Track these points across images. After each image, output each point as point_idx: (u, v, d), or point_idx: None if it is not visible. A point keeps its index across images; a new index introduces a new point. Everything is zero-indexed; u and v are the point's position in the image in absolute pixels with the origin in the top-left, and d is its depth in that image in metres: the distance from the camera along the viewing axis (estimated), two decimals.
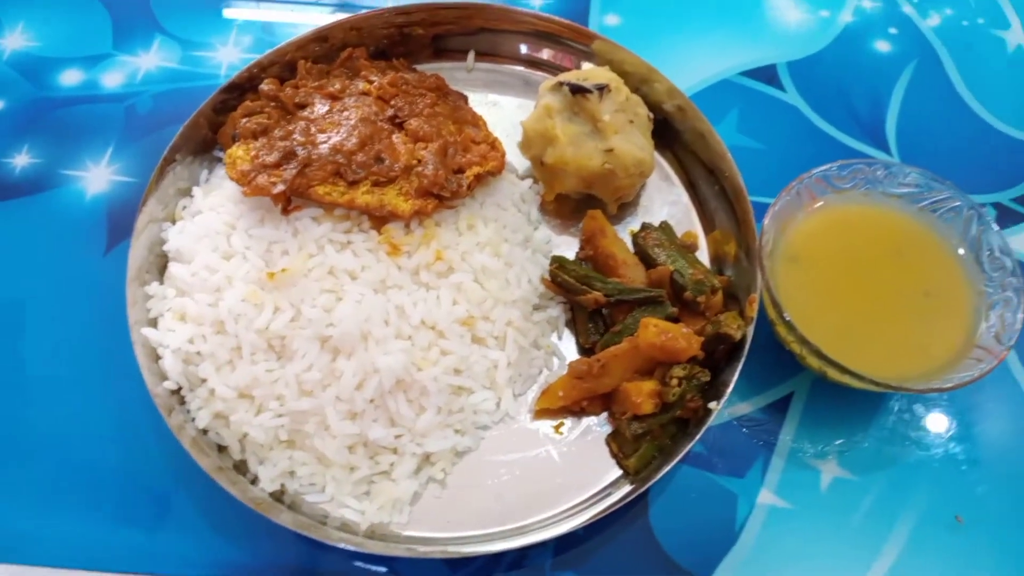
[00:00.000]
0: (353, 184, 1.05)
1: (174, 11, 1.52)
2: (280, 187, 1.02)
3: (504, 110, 1.36)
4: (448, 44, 1.42)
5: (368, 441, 1.02)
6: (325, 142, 1.07)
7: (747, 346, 1.04)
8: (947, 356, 1.02)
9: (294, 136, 1.09)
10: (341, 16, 1.33)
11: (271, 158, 1.06)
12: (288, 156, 1.06)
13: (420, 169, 1.08)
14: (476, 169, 1.11)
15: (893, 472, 1.09)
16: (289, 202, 1.06)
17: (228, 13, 1.53)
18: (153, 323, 1.09)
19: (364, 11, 1.34)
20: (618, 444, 1.07)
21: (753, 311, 1.06)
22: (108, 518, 1.05)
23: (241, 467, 1.05)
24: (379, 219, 1.07)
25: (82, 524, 1.05)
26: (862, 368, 0.99)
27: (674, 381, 1.02)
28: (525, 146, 1.25)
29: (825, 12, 1.54)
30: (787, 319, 1.00)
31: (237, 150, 1.10)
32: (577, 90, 1.18)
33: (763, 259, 1.04)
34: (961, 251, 1.09)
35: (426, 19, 1.38)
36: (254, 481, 1.04)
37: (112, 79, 1.44)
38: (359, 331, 1.01)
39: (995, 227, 1.06)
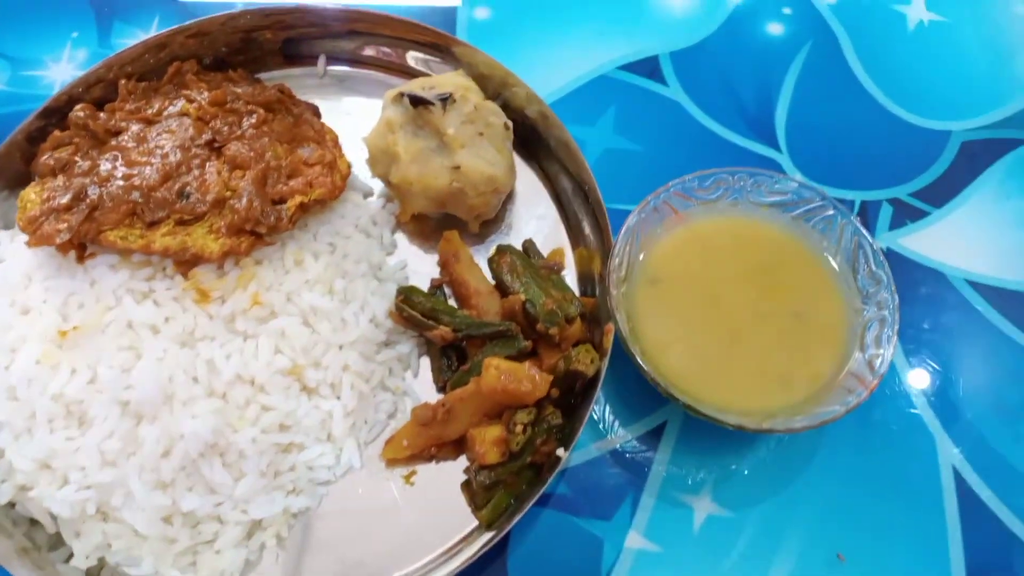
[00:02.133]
0: (153, 225, 0.94)
1: (1, 25, 1.38)
2: (64, 236, 0.91)
3: (359, 120, 1.22)
4: (300, 49, 1.29)
5: (185, 511, 0.92)
6: (124, 177, 0.96)
7: (600, 382, 0.94)
8: (818, 384, 0.93)
9: (96, 171, 0.98)
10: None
11: (63, 200, 0.94)
12: (79, 197, 0.94)
13: (232, 203, 0.97)
14: (299, 198, 1.00)
15: (770, 507, 1.00)
16: (84, 249, 0.95)
17: None
18: None
19: (208, 16, 1.21)
20: (471, 494, 0.98)
21: (609, 342, 0.96)
22: None
23: (58, 541, 0.95)
24: (185, 263, 0.96)
25: None
26: (723, 401, 0.91)
27: (518, 428, 0.92)
28: (372, 163, 1.14)
29: None
30: (635, 355, 0.90)
31: (30, 191, 0.98)
32: (418, 102, 1.06)
33: (611, 284, 0.94)
34: (836, 265, 0.99)
35: (277, 22, 1.26)
36: (69, 557, 0.94)
37: None
38: (161, 392, 0.90)
39: (870, 237, 0.96)
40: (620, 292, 0.94)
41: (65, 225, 0.92)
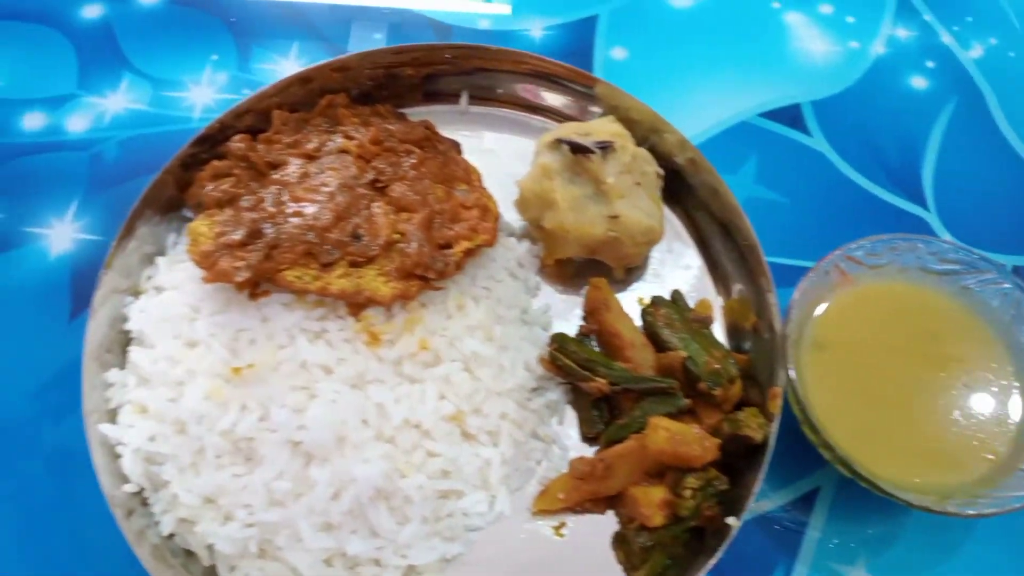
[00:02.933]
0: (327, 266, 0.95)
1: (144, 47, 1.40)
2: (244, 274, 0.92)
3: (500, 158, 1.24)
4: (441, 86, 1.29)
5: (347, 554, 0.92)
6: (296, 215, 0.96)
7: (770, 448, 0.93)
8: (994, 464, 0.91)
9: (263, 206, 0.98)
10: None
11: (236, 236, 0.95)
12: (254, 234, 0.95)
13: (402, 247, 0.97)
14: (465, 244, 1.00)
15: None
16: (257, 285, 0.95)
17: None
18: (112, 414, 0.99)
19: (351, 54, 1.22)
20: (625, 552, 0.97)
21: (776, 407, 0.94)
22: None
23: (211, 574, 0.96)
24: (357, 305, 0.96)
25: None
26: (894, 475, 0.89)
27: (687, 492, 0.91)
28: (522, 207, 1.13)
29: (855, 43, 1.40)
30: (813, 422, 0.89)
31: (199, 225, 0.99)
32: (578, 149, 1.06)
33: (788, 349, 0.92)
34: (1009, 337, 0.97)
35: (418, 59, 1.26)
36: None
37: (77, 123, 1.33)
38: (334, 435, 0.90)
39: None
40: (793, 356, 0.93)
41: (243, 263, 0.93)
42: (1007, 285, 0.97)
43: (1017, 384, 0.95)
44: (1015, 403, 0.94)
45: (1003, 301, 0.97)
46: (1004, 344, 0.97)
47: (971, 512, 0.85)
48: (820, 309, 0.99)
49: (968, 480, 0.90)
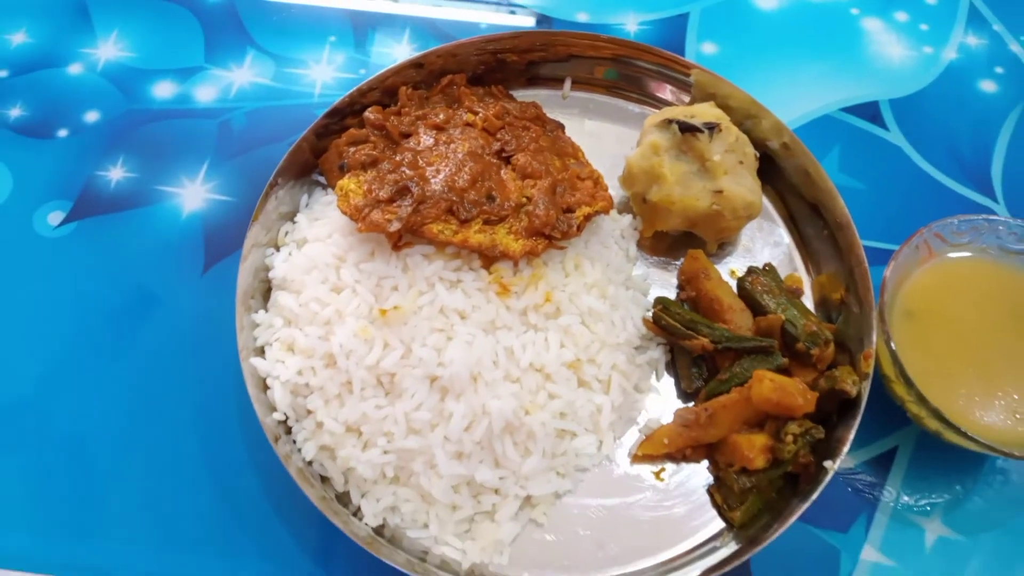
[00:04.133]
0: (465, 222, 1.05)
1: (266, 26, 1.52)
2: (396, 225, 1.02)
3: (602, 141, 1.34)
4: (542, 71, 1.40)
5: (472, 481, 1.02)
6: (436, 177, 1.07)
7: (863, 403, 1.02)
8: None
9: (403, 169, 1.09)
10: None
11: (384, 193, 1.05)
12: (402, 192, 1.05)
13: (530, 208, 1.07)
14: (586, 209, 1.10)
15: (1001, 535, 1.06)
16: (400, 238, 1.06)
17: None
18: (259, 351, 1.09)
19: (459, 40, 1.32)
20: (723, 495, 1.06)
21: (869, 367, 1.04)
22: (203, 544, 1.05)
23: (343, 499, 1.05)
24: (488, 258, 1.06)
25: (174, 551, 1.05)
26: (975, 427, 0.97)
27: (789, 438, 1.00)
28: (628, 182, 1.23)
29: (929, 48, 1.50)
30: (907, 376, 0.98)
31: (349, 182, 1.09)
32: (687, 128, 1.16)
33: (885, 314, 1.01)
34: None
35: (520, 46, 1.36)
36: (355, 514, 1.04)
37: (205, 93, 1.44)
38: (469, 372, 1.00)
39: None
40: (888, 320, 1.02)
41: (394, 215, 1.03)
42: None
43: None
44: None
45: None
46: None
47: None
48: (908, 281, 1.08)
49: None
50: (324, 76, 1.46)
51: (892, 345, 0.99)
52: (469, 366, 1.00)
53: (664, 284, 1.24)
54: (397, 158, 1.11)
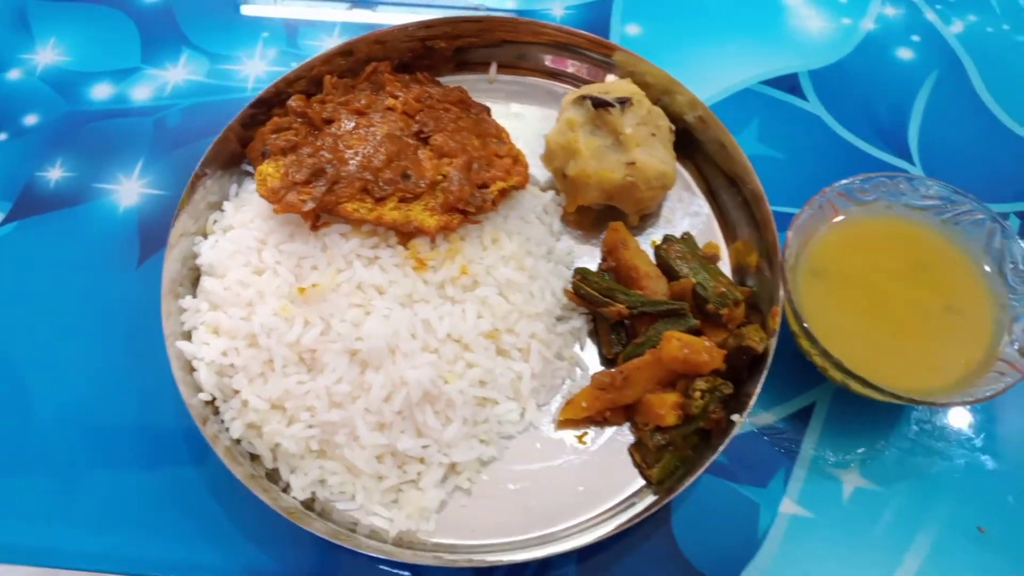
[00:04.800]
0: (380, 200, 1.08)
1: (200, 25, 1.55)
2: (310, 205, 1.05)
3: (526, 121, 1.37)
4: (470, 57, 1.44)
5: (396, 451, 1.04)
6: (353, 159, 1.10)
7: (770, 358, 1.05)
8: (969, 370, 1.03)
9: (322, 153, 1.12)
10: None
11: (300, 175, 1.08)
12: (317, 173, 1.08)
13: (445, 185, 1.10)
14: (500, 184, 1.13)
15: (915, 482, 1.09)
16: (318, 218, 1.09)
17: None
18: (187, 336, 1.12)
19: (388, 26, 1.36)
20: (641, 454, 1.09)
21: (776, 323, 1.07)
22: (140, 526, 1.08)
23: (273, 476, 1.08)
24: (405, 234, 1.09)
25: (114, 532, 1.08)
26: (882, 382, 1.00)
27: (697, 394, 1.03)
28: (548, 159, 1.26)
29: (847, 20, 1.54)
30: (808, 330, 1.01)
31: (267, 167, 1.12)
32: (599, 104, 1.19)
33: (785, 271, 1.05)
34: (984, 264, 1.09)
35: (448, 32, 1.40)
36: (286, 489, 1.06)
37: (141, 93, 1.47)
38: (387, 345, 1.03)
39: (1018, 239, 1.06)
40: (791, 279, 1.05)
41: (308, 196, 1.06)
42: (981, 216, 1.09)
43: (990, 302, 1.06)
44: (988, 318, 1.06)
45: (978, 230, 1.09)
46: (979, 268, 1.09)
47: (943, 401, 0.97)
48: (815, 240, 1.11)
49: (948, 383, 1.02)
50: (257, 71, 1.49)
51: (793, 299, 1.03)
52: (387, 339, 1.03)
53: (591, 257, 1.27)
54: (318, 143, 1.14)
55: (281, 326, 1.05)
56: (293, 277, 1.08)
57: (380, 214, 1.06)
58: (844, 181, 1.10)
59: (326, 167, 1.08)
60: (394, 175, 1.09)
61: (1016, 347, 1.01)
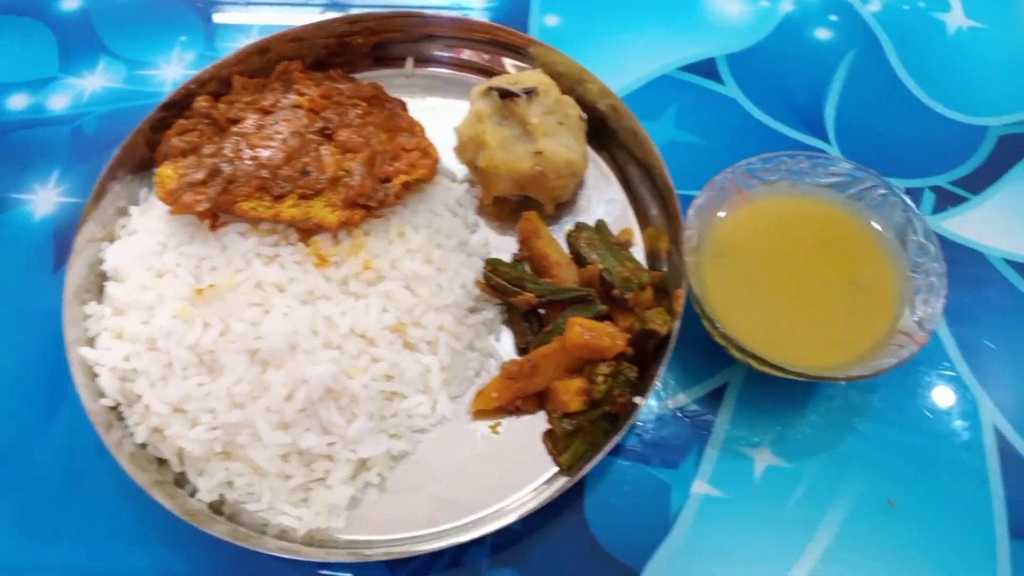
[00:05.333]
0: (279, 198, 1.07)
1: (118, 32, 1.54)
2: (204, 205, 1.04)
3: (442, 114, 1.36)
4: (389, 52, 1.43)
5: (302, 450, 1.04)
6: (252, 158, 1.09)
7: (673, 341, 1.05)
8: (871, 343, 1.02)
9: (223, 152, 1.11)
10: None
11: (198, 176, 1.07)
12: (213, 173, 1.07)
13: (347, 180, 1.09)
14: (403, 177, 1.12)
15: (826, 458, 1.09)
16: (216, 218, 1.08)
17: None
18: (91, 342, 1.11)
19: (305, 24, 1.35)
20: (552, 441, 1.08)
21: (679, 306, 1.07)
22: (50, 535, 1.06)
23: (182, 479, 1.07)
24: (307, 231, 1.09)
25: (22, 541, 1.06)
26: (788, 360, 1.00)
27: (599, 379, 1.03)
28: (460, 151, 1.26)
29: (765, 2, 1.54)
30: (708, 313, 1.01)
31: (166, 169, 1.11)
32: (506, 95, 1.19)
33: (685, 254, 1.04)
34: (888, 238, 1.09)
35: (367, 28, 1.39)
36: (194, 493, 1.05)
37: (58, 102, 1.46)
38: (287, 343, 1.02)
39: (920, 213, 1.06)
40: (691, 261, 1.05)
41: (204, 196, 1.05)
42: (884, 191, 1.09)
43: (894, 275, 1.07)
44: (892, 291, 1.06)
45: (881, 205, 1.09)
46: (883, 242, 1.09)
47: (840, 376, 0.97)
48: (718, 222, 1.11)
49: (851, 358, 1.02)
50: (174, 75, 1.48)
51: (691, 283, 1.02)
52: (287, 336, 1.02)
53: (510, 248, 1.26)
54: (220, 144, 1.14)
55: (180, 328, 1.04)
56: (193, 279, 1.06)
57: (277, 212, 1.05)
58: (744, 161, 1.10)
59: (222, 166, 1.08)
60: (293, 172, 1.08)
61: (916, 319, 1.01)
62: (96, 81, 1.48)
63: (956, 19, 1.52)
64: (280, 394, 1.01)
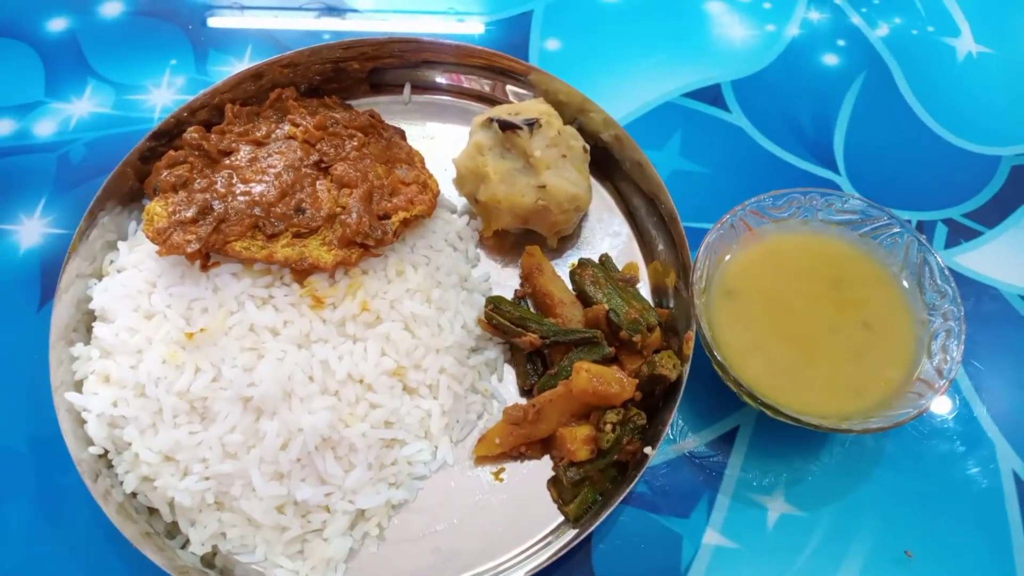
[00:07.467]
0: (272, 237, 1.03)
1: (106, 54, 1.49)
2: (194, 246, 1.00)
3: (442, 143, 1.33)
4: (385, 78, 1.39)
5: (297, 501, 0.99)
6: (243, 194, 1.05)
7: (683, 386, 1.01)
8: (888, 391, 0.99)
9: (215, 188, 1.06)
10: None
11: (188, 213, 1.03)
12: (204, 211, 1.03)
13: (343, 218, 1.05)
14: (402, 214, 1.08)
15: (841, 507, 1.06)
16: (208, 258, 1.03)
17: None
18: (79, 385, 1.06)
19: (300, 48, 1.31)
20: (558, 490, 1.04)
21: (689, 349, 1.03)
22: None
23: (174, 529, 1.03)
24: (302, 272, 1.04)
25: None
26: (799, 406, 0.97)
27: (608, 427, 0.99)
28: (459, 183, 1.22)
29: (771, 26, 1.51)
30: (719, 360, 0.97)
31: (155, 206, 1.07)
32: (507, 126, 1.15)
33: (695, 296, 1.01)
34: (903, 279, 1.06)
35: (363, 54, 1.35)
36: (185, 544, 1.01)
37: (45, 127, 1.41)
38: (281, 390, 0.98)
39: (935, 252, 1.03)
40: (701, 303, 1.01)
41: (194, 236, 1.01)
42: (898, 229, 1.05)
43: (909, 318, 1.03)
44: (907, 335, 1.02)
45: (896, 244, 1.06)
46: (898, 283, 1.05)
47: (857, 428, 0.93)
48: (729, 260, 1.08)
49: (866, 406, 0.98)
50: (165, 99, 1.44)
51: (702, 326, 0.99)
52: (281, 383, 0.98)
53: (509, 283, 1.22)
54: (212, 177, 1.09)
55: (170, 374, 0.99)
56: (183, 321, 1.02)
57: (271, 252, 1.01)
58: (755, 199, 1.06)
59: (214, 203, 1.03)
60: (287, 209, 1.04)
61: (934, 365, 0.98)
62: (84, 106, 1.43)
63: (966, 44, 1.49)
64: (274, 444, 0.97)
